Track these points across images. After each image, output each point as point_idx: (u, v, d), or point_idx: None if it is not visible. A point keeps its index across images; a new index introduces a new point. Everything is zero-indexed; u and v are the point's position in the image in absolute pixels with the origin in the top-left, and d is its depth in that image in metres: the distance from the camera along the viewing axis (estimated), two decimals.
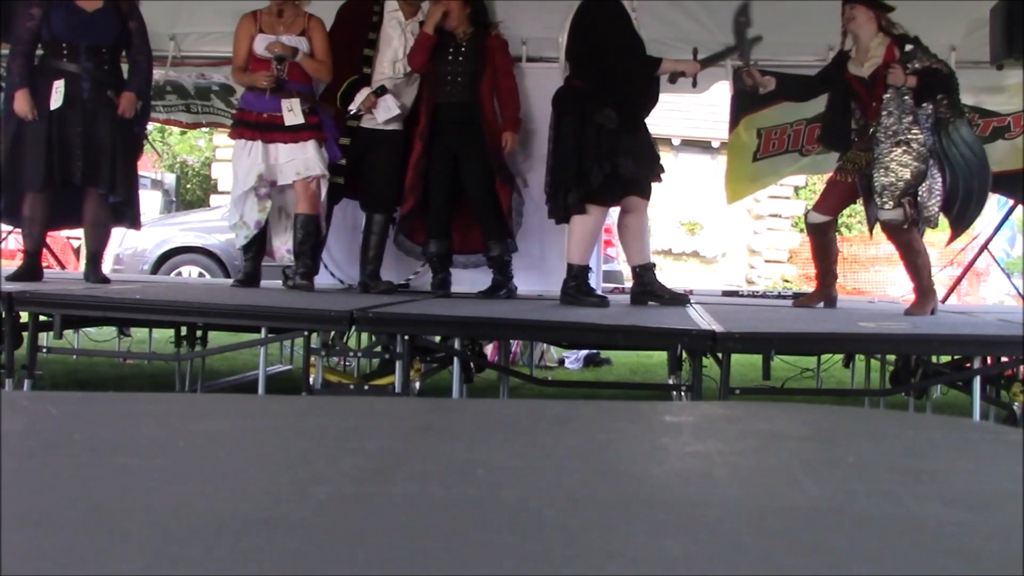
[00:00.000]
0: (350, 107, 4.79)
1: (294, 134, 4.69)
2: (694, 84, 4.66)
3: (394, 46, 4.87)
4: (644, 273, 4.65)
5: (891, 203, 4.39)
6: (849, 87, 4.56)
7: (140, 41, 4.64)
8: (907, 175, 4.38)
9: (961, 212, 4.53)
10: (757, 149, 6.35)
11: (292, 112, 4.63)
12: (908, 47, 4.38)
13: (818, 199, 5.00)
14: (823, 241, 4.90)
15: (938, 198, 4.43)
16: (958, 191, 4.46)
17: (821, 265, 4.97)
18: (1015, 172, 6.09)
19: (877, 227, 4.62)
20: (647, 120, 4.59)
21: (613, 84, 4.38)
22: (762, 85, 4.75)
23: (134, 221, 4.92)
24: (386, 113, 4.79)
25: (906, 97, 4.36)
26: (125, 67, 4.73)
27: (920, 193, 4.40)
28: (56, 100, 4.38)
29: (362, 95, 4.77)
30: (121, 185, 4.58)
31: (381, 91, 4.79)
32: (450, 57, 4.82)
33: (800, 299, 5.27)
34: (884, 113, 4.39)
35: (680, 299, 4.69)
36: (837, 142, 4.77)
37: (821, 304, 4.91)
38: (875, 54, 4.45)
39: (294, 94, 4.67)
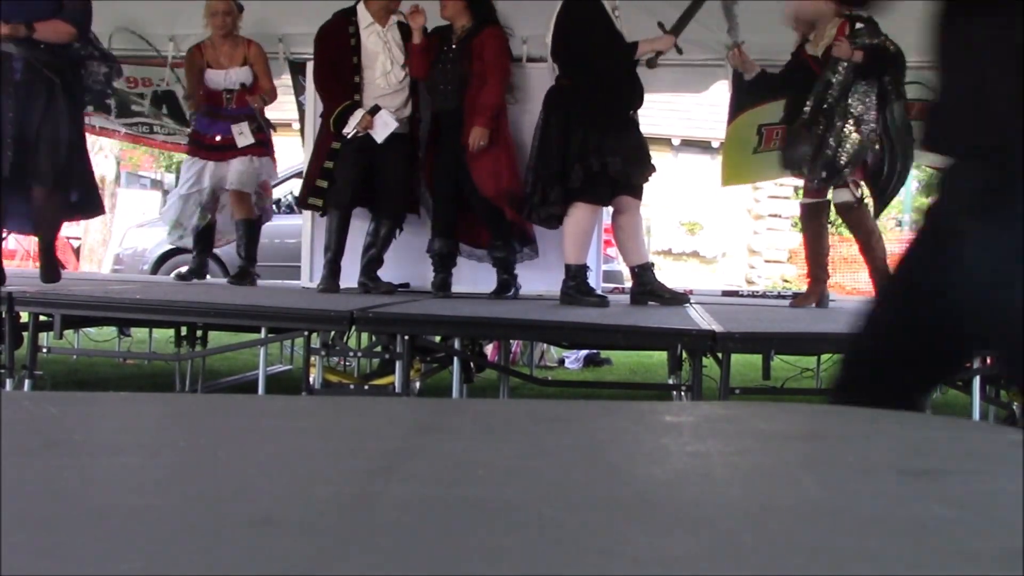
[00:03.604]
0: (345, 131, 4.76)
1: (244, 151, 5.24)
2: (679, 51, 4.67)
3: (381, 60, 4.85)
4: (643, 273, 4.65)
5: (827, 176, 4.50)
6: (806, 66, 4.67)
7: (76, 12, 4.19)
8: (847, 150, 4.48)
9: (887, 188, 4.69)
10: (758, 145, 6.34)
11: (243, 135, 5.21)
12: (858, 25, 4.53)
13: (806, 183, 4.98)
14: (817, 225, 4.89)
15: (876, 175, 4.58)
16: (890, 166, 4.59)
17: (814, 257, 4.93)
18: None
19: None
20: (640, 119, 4.59)
21: (596, 82, 4.38)
22: (747, 69, 4.82)
23: (94, 207, 4.72)
24: (385, 130, 4.78)
25: (848, 70, 4.46)
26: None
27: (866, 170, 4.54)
28: None
29: (356, 116, 4.75)
30: (72, 176, 4.23)
31: (375, 110, 4.77)
32: (441, 65, 4.80)
33: (796, 299, 5.28)
34: (822, 85, 4.50)
35: (680, 298, 4.70)
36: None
37: (813, 304, 4.90)
38: (829, 33, 4.60)
39: (242, 118, 5.22)
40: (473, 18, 4.76)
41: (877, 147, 4.58)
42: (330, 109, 4.83)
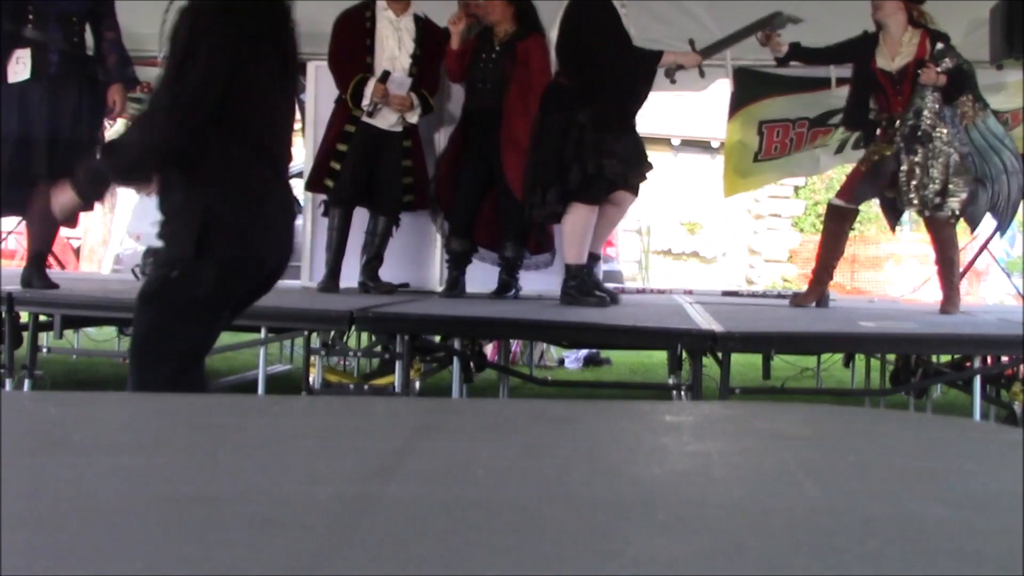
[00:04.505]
0: (364, 104, 4.78)
1: None
2: (701, 74, 4.62)
3: (389, 44, 4.87)
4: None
5: (929, 205, 4.42)
6: (873, 79, 4.53)
7: (111, 16, 4.08)
8: (938, 174, 4.41)
9: (998, 205, 4.61)
10: (759, 150, 6.33)
11: None
12: (939, 46, 4.39)
13: (843, 186, 4.87)
14: (839, 230, 4.80)
15: (970, 194, 4.51)
16: (994, 185, 4.53)
17: (824, 258, 4.85)
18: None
19: (901, 226, 4.70)
20: (640, 118, 4.57)
21: (599, 83, 4.36)
22: (775, 48, 4.65)
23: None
24: (400, 89, 4.80)
25: (935, 94, 4.38)
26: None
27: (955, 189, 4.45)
28: (19, 72, 3.74)
29: (370, 87, 4.77)
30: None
31: (385, 76, 4.80)
32: (481, 64, 4.80)
33: (795, 298, 5.24)
34: (913, 112, 4.40)
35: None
36: (860, 126, 4.80)
37: (813, 304, 4.87)
38: (906, 49, 4.43)
39: None
40: (519, 24, 4.79)
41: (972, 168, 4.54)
42: (343, 86, 4.86)
